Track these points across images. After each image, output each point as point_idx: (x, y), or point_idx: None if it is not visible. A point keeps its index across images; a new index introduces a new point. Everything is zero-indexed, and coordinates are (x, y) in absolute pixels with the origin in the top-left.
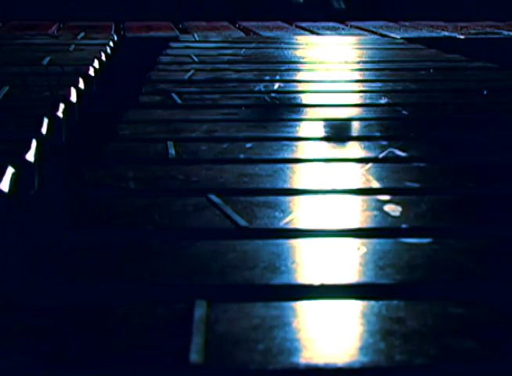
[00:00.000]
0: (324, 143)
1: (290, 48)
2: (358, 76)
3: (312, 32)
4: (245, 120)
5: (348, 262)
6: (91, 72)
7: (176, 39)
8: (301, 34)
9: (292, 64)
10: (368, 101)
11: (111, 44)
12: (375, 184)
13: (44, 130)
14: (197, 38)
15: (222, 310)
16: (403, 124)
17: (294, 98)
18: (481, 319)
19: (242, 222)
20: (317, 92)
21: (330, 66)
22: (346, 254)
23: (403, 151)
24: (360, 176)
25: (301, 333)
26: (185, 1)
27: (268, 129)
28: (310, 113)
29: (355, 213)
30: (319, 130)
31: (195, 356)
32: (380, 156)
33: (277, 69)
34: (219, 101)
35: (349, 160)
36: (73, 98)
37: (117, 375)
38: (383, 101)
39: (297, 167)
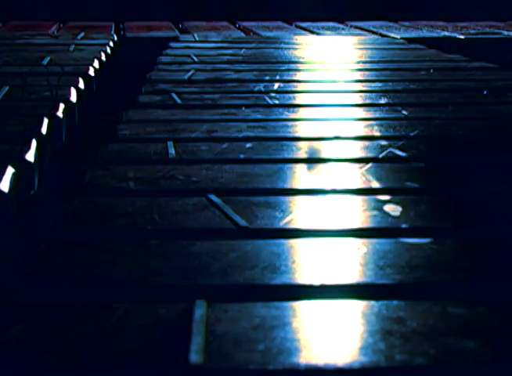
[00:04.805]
0: (324, 143)
1: (290, 48)
2: (358, 76)
3: (312, 32)
4: (245, 120)
5: (348, 262)
6: (91, 72)
7: (176, 39)
8: (301, 34)
9: (292, 64)
10: (368, 101)
11: (111, 44)
12: (375, 184)
13: (44, 130)
14: (197, 38)
15: (222, 310)
16: (403, 124)
17: (294, 98)
18: (481, 319)
19: (242, 222)
20: (317, 92)
21: (330, 66)
22: (346, 254)
23: (403, 151)
24: (360, 176)
25: (301, 333)
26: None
27: (268, 129)
28: (310, 113)
29: (355, 213)
30: (319, 130)
31: (195, 356)
32: (380, 156)
33: (277, 69)
34: (219, 101)
35: (349, 160)
36: (73, 98)
37: (117, 375)
38: (383, 101)
39: (297, 167)
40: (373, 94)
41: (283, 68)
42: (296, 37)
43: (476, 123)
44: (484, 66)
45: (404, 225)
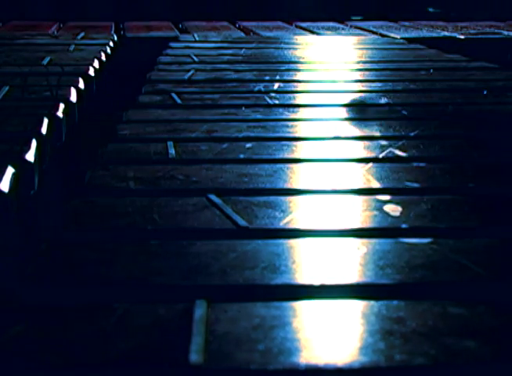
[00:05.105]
0: (324, 143)
1: (290, 48)
2: (358, 76)
3: (312, 32)
4: (245, 120)
5: (348, 262)
6: (91, 72)
7: (176, 39)
8: (301, 34)
9: (292, 64)
10: (368, 101)
11: (111, 44)
12: (375, 184)
13: (44, 130)
14: (197, 38)
15: (222, 310)
16: (403, 124)
17: (294, 98)
18: (481, 319)
19: (242, 222)
20: (317, 92)
21: (330, 66)
22: (346, 254)
23: (403, 151)
24: (360, 176)
25: (301, 333)
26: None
27: (268, 129)
28: (310, 113)
29: (355, 213)
30: (319, 130)
31: (195, 356)
32: (380, 156)
33: (277, 69)
34: (219, 101)
35: (349, 160)
36: (73, 98)
37: (117, 375)
38: (383, 101)
39: (297, 167)
40: (373, 94)
41: (283, 68)
42: (296, 37)
43: (476, 123)
44: (484, 66)
45: (404, 225)
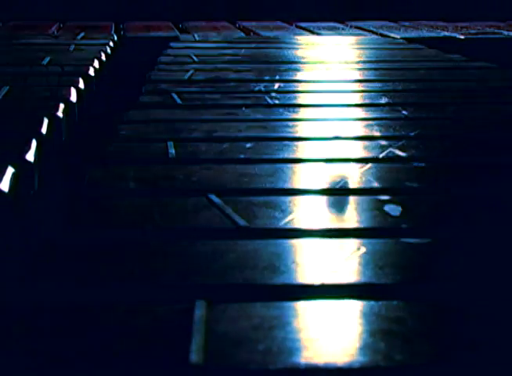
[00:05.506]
0: (324, 143)
1: (290, 48)
2: (358, 76)
3: (312, 32)
4: (245, 120)
5: (348, 262)
6: (91, 72)
7: (176, 39)
8: (301, 34)
9: (292, 64)
10: (368, 101)
11: (111, 44)
12: (375, 184)
13: (44, 130)
14: (197, 38)
15: (222, 310)
16: (403, 124)
17: (294, 98)
18: (480, 320)
19: (242, 222)
20: (317, 92)
21: (330, 66)
22: (346, 254)
23: (403, 151)
24: (360, 176)
25: (301, 333)
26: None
27: (268, 129)
28: (310, 113)
29: (355, 213)
30: (319, 130)
31: (195, 356)
32: (380, 156)
33: (277, 69)
34: (219, 101)
35: (349, 160)
36: (73, 98)
37: (117, 375)
38: (383, 101)
39: (297, 167)
40: (373, 94)
41: (283, 68)
42: (296, 37)
43: (476, 123)
44: (485, 66)
45: (404, 226)
